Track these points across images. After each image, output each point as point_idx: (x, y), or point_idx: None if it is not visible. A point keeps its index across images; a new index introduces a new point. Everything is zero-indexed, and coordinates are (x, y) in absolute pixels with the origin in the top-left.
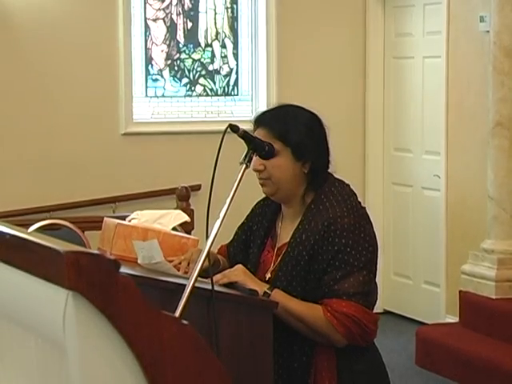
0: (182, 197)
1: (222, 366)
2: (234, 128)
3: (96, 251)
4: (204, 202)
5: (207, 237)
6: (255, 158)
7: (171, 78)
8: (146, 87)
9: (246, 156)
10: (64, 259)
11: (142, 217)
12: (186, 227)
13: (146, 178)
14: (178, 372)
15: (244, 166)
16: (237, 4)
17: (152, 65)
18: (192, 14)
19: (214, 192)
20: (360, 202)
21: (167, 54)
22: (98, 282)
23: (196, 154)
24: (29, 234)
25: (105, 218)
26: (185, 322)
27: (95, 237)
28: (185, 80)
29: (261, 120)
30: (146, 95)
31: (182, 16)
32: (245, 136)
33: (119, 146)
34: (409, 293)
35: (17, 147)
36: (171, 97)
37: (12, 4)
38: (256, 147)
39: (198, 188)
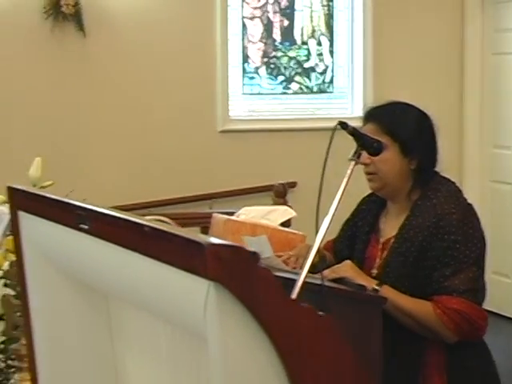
0: (279, 193)
1: (358, 360)
2: (343, 125)
3: (236, 243)
4: (300, 198)
5: (317, 232)
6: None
7: (267, 75)
8: (243, 85)
9: (355, 152)
10: (206, 251)
11: (249, 212)
12: (283, 224)
13: (242, 174)
14: (316, 362)
15: (353, 162)
16: (333, 1)
17: (248, 63)
18: (288, 12)
19: (312, 188)
20: (466, 199)
21: (263, 51)
22: (238, 272)
23: (291, 152)
24: (167, 226)
25: (214, 214)
26: (321, 313)
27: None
28: (281, 78)
29: (370, 115)
30: (243, 93)
31: (278, 14)
32: (354, 133)
33: (216, 143)
34: (508, 291)
35: (115, 144)
36: (267, 94)
37: (114, 7)
38: (364, 144)
39: (293, 185)
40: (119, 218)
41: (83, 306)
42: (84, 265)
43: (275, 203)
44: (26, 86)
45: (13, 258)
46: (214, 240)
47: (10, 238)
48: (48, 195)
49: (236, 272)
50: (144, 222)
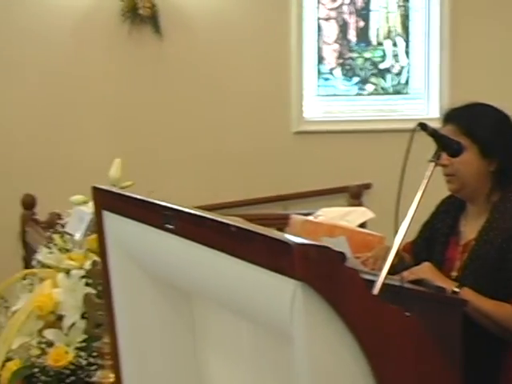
0: (355, 195)
1: (442, 361)
2: (423, 126)
3: (322, 243)
4: (375, 200)
5: (395, 234)
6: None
7: (342, 77)
8: (318, 86)
9: (435, 154)
10: (293, 251)
11: (328, 214)
12: (359, 225)
13: (317, 176)
14: (402, 362)
15: (433, 163)
16: (409, 1)
17: (323, 64)
18: (364, 13)
19: (387, 189)
20: None
21: (339, 53)
22: (325, 272)
23: (366, 153)
24: (253, 227)
25: (292, 215)
26: (407, 313)
27: None
28: (356, 79)
29: (450, 116)
30: (318, 94)
31: (353, 15)
32: (434, 134)
33: (290, 145)
34: None
35: (189, 146)
36: (342, 96)
37: (190, 9)
38: (445, 145)
39: (368, 187)
40: (206, 218)
41: (166, 305)
42: (168, 264)
43: (350, 205)
44: (103, 88)
45: (94, 257)
46: (302, 240)
47: (91, 237)
48: (133, 195)
49: (323, 272)
50: (231, 223)
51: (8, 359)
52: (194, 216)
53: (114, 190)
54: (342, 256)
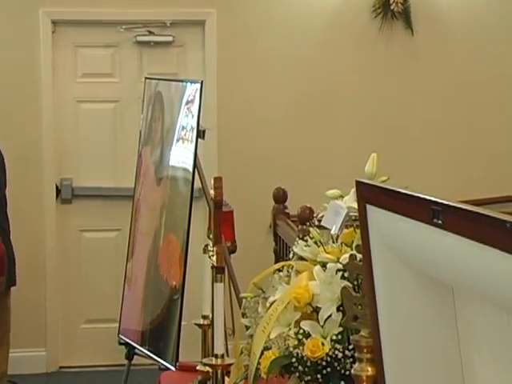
0: None
1: None
2: None
3: None
4: None
5: None
6: None
7: None
8: None
9: None
10: None
11: None
12: None
13: None
14: None
15: None
16: None
17: None
18: None
19: None
20: None
21: None
22: None
23: None
24: None
25: None
26: None
27: None
28: None
29: None
30: None
31: None
32: None
33: None
34: None
35: (441, 140)
36: None
37: (442, 4)
38: None
39: None
40: (478, 214)
41: (429, 300)
42: (433, 259)
43: None
44: (354, 83)
45: (349, 251)
46: None
47: (346, 231)
48: (399, 189)
49: None
50: (506, 218)
51: (266, 348)
52: (466, 211)
53: (379, 184)
54: None
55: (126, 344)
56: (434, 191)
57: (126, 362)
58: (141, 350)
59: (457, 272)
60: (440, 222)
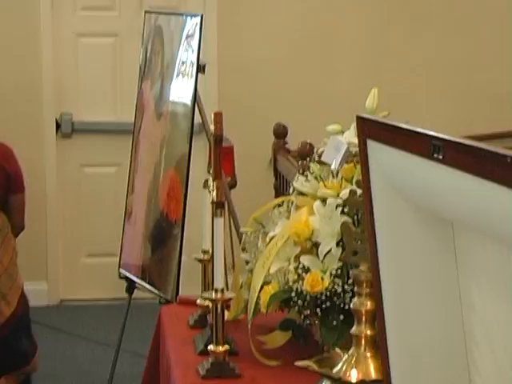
0: None
1: None
2: None
3: None
4: None
5: None
6: None
7: None
8: None
9: None
10: None
11: None
12: None
13: None
14: None
15: None
16: None
17: None
18: None
19: None
20: None
21: None
22: None
23: None
24: None
25: None
26: None
27: None
28: None
29: None
30: None
31: None
32: None
33: None
34: None
35: (443, 77)
36: None
37: None
38: None
39: None
40: (478, 148)
41: (428, 234)
42: (433, 194)
43: None
44: (357, 18)
45: (349, 186)
46: None
47: (347, 167)
48: (400, 125)
49: None
50: (506, 152)
51: (266, 283)
52: (466, 146)
53: (380, 119)
54: None
55: (127, 278)
56: (435, 127)
57: (126, 295)
58: (141, 284)
59: (457, 207)
60: (440, 156)
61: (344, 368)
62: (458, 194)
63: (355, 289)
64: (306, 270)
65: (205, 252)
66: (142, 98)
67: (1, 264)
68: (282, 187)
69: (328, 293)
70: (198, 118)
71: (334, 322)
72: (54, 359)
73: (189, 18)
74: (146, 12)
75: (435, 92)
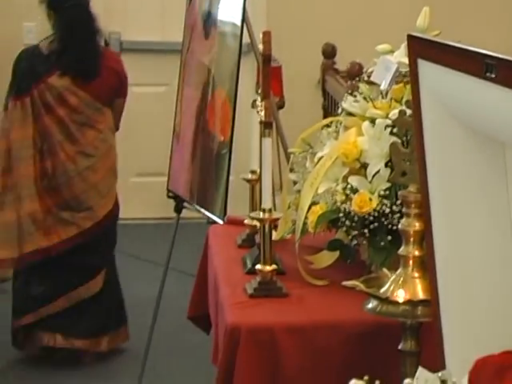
0: None
1: None
2: None
3: None
4: None
5: None
6: None
7: None
8: None
9: None
10: None
11: None
12: None
13: None
14: None
15: None
16: None
17: None
18: None
19: None
20: None
21: None
22: None
23: None
24: None
25: None
26: None
27: None
28: None
29: None
30: None
31: None
32: None
33: None
34: None
35: None
36: None
37: None
38: None
39: None
40: None
41: (479, 155)
42: (484, 114)
43: None
44: None
45: (398, 107)
46: None
47: (396, 87)
48: (452, 43)
49: None
50: None
51: (314, 203)
52: None
53: (431, 38)
54: None
55: (175, 197)
56: (487, 47)
57: (174, 215)
58: (190, 204)
59: (509, 127)
60: (493, 75)
61: (391, 288)
62: (511, 114)
63: (403, 210)
64: (354, 191)
65: (253, 172)
66: (190, 17)
67: (108, 161)
68: (330, 108)
69: (376, 213)
70: (246, 38)
71: (382, 243)
72: None
73: None
74: None
75: (490, 10)
